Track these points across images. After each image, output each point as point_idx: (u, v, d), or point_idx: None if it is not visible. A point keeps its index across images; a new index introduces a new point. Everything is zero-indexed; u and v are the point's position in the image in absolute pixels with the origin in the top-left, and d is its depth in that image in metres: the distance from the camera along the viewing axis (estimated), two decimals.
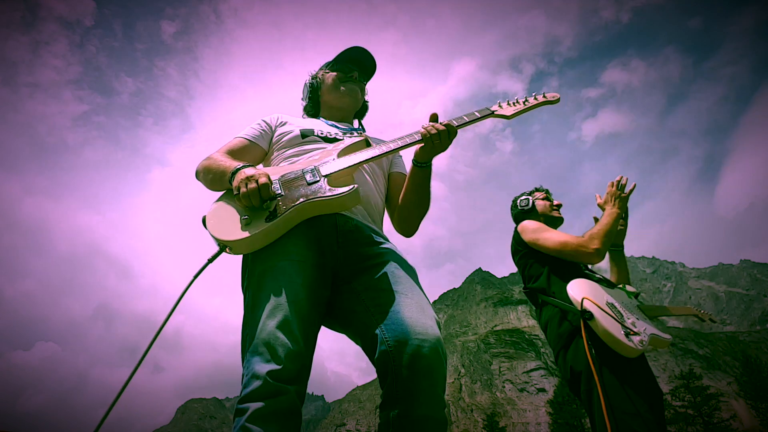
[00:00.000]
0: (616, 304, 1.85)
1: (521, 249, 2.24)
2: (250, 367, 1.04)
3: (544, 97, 1.48)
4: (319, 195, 1.19)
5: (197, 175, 1.40)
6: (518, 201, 2.47)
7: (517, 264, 2.30)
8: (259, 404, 0.98)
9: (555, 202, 2.44)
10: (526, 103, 1.47)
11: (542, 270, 2.11)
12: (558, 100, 1.49)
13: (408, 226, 1.48)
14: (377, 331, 1.09)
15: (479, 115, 1.43)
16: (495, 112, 1.44)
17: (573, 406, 35.39)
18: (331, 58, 1.68)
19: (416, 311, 1.11)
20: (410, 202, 1.44)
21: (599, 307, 1.73)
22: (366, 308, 1.15)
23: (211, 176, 1.33)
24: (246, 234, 1.13)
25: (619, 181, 2.14)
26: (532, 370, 78.70)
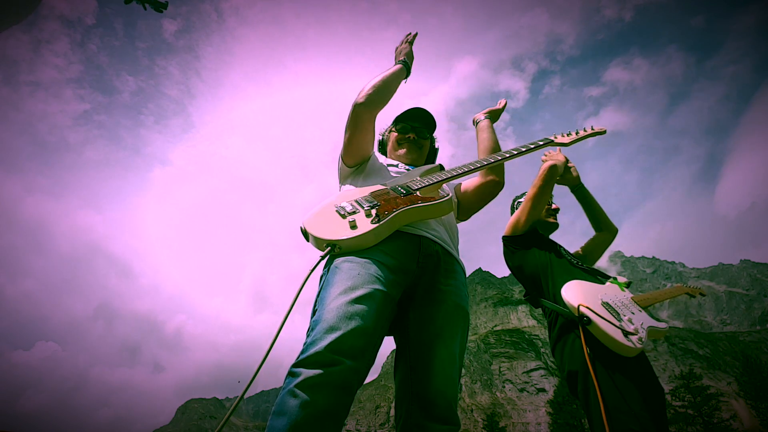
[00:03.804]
0: (610, 303, 1.86)
1: (513, 248, 2.23)
2: (312, 334, 1.07)
3: (592, 129, 1.81)
4: (418, 203, 1.36)
5: (361, 105, 1.58)
6: (515, 203, 2.45)
7: (512, 269, 2.28)
8: (312, 372, 1.00)
9: (553, 206, 2.39)
10: (579, 133, 1.78)
11: (535, 271, 2.11)
12: (605, 132, 1.82)
13: (497, 176, 1.70)
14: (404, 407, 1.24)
15: (542, 143, 1.68)
16: (554, 141, 1.73)
17: (573, 406, 35.37)
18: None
19: (444, 380, 1.24)
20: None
21: (595, 312, 1.73)
22: (409, 364, 1.28)
23: (380, 83, 1.62)
24: (357, 233, 1.24)
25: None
26: (532, 370, 78.62)
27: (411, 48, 1.84)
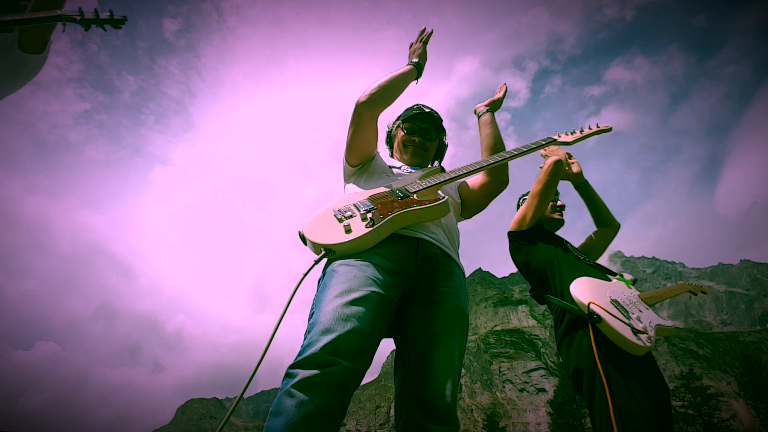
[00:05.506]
0: (619, 300, 1.84)
1: (519, 243, 2.22)
2: (308, 336, 1.09)
3: (597, 126, 1.79)
4: (414, 206, 1.37)
5: (363, 104, 1.57)
6: (521, 201, 2.44)
7: (518, 265, 2.27)
8: (308, 372, 1.01)
9: (558, 203, 2.38)
10: (582, 131, 1.77)
11: (542, 266, 2.09)
12: (611, 129, 1.80)
13: (501, 175, 1.70)
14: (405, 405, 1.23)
15: (544, 143, 1.68)
16: (557, 140, 1.72)
17: (573, 406, 35.37)
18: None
19: (443, 382, 1.22)
20: (491, 148, 1.72)
21: (605, 310, 1.72)
22: (408, 364, 1.27)
23: (386, 83, 1.61)
24: (351, 237, 1.26)
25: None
26: (532, 370, 78.68)
27: (425, 48, 1.81)
